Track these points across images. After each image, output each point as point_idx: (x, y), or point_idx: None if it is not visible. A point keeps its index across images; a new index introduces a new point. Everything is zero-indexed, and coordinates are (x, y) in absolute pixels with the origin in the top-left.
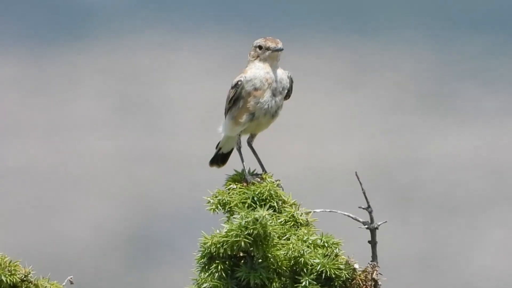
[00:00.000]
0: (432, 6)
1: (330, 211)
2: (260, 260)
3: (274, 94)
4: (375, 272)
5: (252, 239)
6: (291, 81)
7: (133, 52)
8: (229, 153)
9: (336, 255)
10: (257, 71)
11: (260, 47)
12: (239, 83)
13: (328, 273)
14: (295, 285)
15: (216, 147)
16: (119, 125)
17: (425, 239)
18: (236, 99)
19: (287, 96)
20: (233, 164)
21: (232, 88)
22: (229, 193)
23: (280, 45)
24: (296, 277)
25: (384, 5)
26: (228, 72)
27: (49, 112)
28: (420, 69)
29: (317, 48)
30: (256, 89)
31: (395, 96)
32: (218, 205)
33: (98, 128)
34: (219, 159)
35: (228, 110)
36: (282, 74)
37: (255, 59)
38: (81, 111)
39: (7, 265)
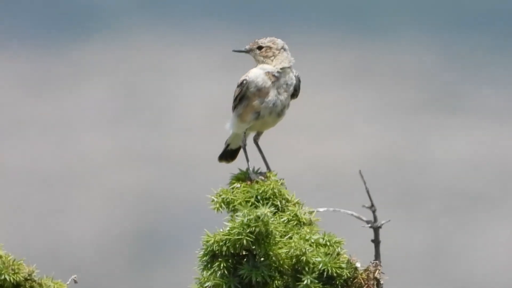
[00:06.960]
0: (438, 4)
1: (333, 210)
2: (262, 259)
3: (279, 93)
4: (377, 271)
5: (254, 237)
6: (299, 81)
7: (138, 50)
8: (238, 149)
9: (338, 254)
10: (257, 71)
11: None
12: (244, 82)
13: (330, 271)
14: (297, 284)
15: (225, 143)
16: (124, 123)
17: (429, 238)
18: (242, 97)
19: (295, 95)
20: (238, 162)
21: (238, 86)
22: (233, 192)
23: (249, 46)
24: (298, 275)
25: (390, 3)
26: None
27: (54, 110)
28: (426, 68)
29: (322, 46)
30: (259, 89)
31: (400, 95)
32: (222, 204)
33: (103, 126)
34: (228, 155)
35: (234, 108)
36: (287, 72)
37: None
38: (86, 109)
39: (11, 264)
